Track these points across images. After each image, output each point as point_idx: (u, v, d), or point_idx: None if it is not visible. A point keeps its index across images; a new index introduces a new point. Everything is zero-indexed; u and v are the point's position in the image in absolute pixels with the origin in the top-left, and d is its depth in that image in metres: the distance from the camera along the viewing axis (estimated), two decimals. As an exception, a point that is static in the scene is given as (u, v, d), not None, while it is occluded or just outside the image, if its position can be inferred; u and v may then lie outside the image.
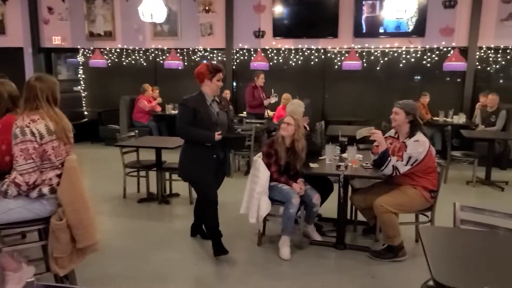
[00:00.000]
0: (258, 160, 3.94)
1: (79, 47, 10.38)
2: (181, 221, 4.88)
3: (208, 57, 9.67)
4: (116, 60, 10.20)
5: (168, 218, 4.96)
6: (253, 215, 3.87)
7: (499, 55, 8.17)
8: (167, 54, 9.61)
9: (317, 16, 8.89)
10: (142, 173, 5.59)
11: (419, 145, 3.59)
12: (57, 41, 10.47)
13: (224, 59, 9.47)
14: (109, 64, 10.17)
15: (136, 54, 10.07)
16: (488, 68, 8.24)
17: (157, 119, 9.13)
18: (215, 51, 9.62)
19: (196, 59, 9.69)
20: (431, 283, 2.34)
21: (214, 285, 3.35)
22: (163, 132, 9.10)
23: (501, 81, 8.36)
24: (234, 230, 4.40)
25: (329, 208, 4.32)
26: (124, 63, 10.14)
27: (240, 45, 9.42)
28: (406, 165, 3.57)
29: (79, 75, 10.65)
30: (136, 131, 5.96)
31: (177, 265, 3.65)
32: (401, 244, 3.70)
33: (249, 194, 3.97)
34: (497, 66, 8.23)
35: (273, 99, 7.83)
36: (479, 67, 8.21)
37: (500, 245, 2.21)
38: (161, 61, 9.74)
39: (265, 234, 4.18)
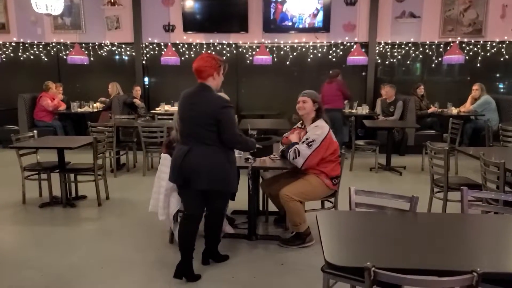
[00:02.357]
0: (167, 156, 3.84)
1: (-35, 40, 9.37)
2: (88, 224, 4.65)
3: (116, 52, 9.28)
4: (11, 55, 9.36)
5: (74, 222, 4.67)
6: (163, 212, 3.78)
7: (395, 50, 8.85)
8: (71, 49, 9.02)
9: (228, 11, 8.95)
10: (44, 176, 5.20)
11: (318, 129, 3.77)
12: None
13: (133, 53, 9.14)
14: (4, 59, 9.31)
15: (35, 49, 9.33)
16: (387, 62, 8.90)
17: (62, 117, 8.56)
18: (123, 46, 9.25)
19: (103, 54, 9.25)
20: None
21: (122, 287, 3.21)
22: (70, 132, 8.57)
23: (398, 74, 9.08)
24: (146, 229, 4.29)
25: (242, 201, 4.37)
26: (21, 58, 9.35)
27: (150, 39, 9.16)
28: (307, 147, 3.71)
29: (-33, 72, 9.61)
30: (35, 131, 5.52)
31: (82, 271, 3.45)
32: (307, 230, 3.86)
33: (157, 191, 3.86)
34: (394, 60, 8.91)
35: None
36: (379, 61, 8.83)
37: (387, 223, 2.39)
38: (64, 56, 9.12)
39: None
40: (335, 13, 8.73)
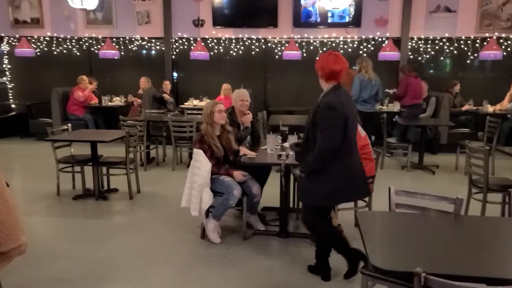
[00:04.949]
0: (199, 151, 3.84)
1: (3, 35, 9.61)
2: (120, 217, 4.70)
3: (146, 46, 9.35)
4: (45, 49, 9.56)
5: (106, 215, 4.74)
6: (195, 208, 3.79)
7: (428, 46, 8.60)
8: (102, 43, 9.15)
9: (257, 6, 8.88)
10: (77, 168, 5.29)
11: None
12: (-23, 28, 9.65)
13: (163, 48, 9.19)
14: (38, 54, 9.51)
15: (68, 43, 9.50)
16: (420, 58, 8.66)
17: (93, 111, 8.71)
18: (153, 40, 9.31)
19: (133, 49, 9.34)
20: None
21: (156, 281, 3.23)
22: (100, 125, 8.71)
23: (431, 70, 8.84)
24: (177, 223, 4.30)
25: (272, 198, 4.33)
26: (55, 53, 9.53)
27: (179, 34, 9.18)
28: None
29: (4, 65, 9.87)
30: (69, 124, 5.62)
31: (115, 263, 3.49)
32: (339, 227, 3.78)
33: (190, 187, 3.86)
34: (427, 56, 8.66)
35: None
36: (411, 56, 8.60)
37: (431, 226, 2.30)
38: (96, 51, 9.25)
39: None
40: (366, 8, 8.55)
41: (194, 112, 7.40)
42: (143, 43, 9.34)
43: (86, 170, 5.17)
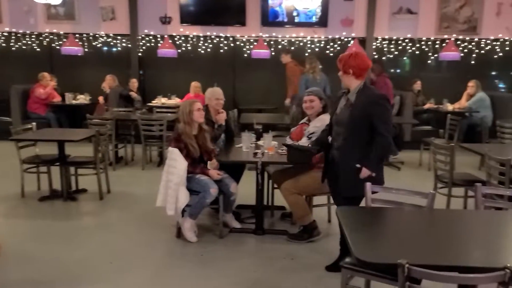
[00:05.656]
0: (175, 150, 3.81)
1: (-45, 29, 9.13)
2: (92, 218, 4.60)
3: (111, 43, 9.13)
4: (3, 45, 9.15)
5: (76, 216, 4.62)
6: (171, 207, 3.77)
7: (392, 46, 8.90)
8: (64, 39, 8.86)
9: (225, 4, 8.89)
10: (43, 169, 5.12)
11: (318, 121, 3.79)
12: None
13: (129, 45, 9.02)
14: (-5, 50, 9.11)
15: (27, 39, 9.13)
16: (384, 58, 8.93)
17: (56, 110, 8.42)
18: (119, 37, 9.11)
19: (98, 45, 9.10)
20: (349, 259, 2.49)
21: (134, 282, 3.19)
22: (63, 124, 8.42)
23: (394, 69, 9.14)
24: (151, 223, 4.26)
25: (246, 195, 4.37)
26: (13, 49, 9.14)
27: (146, 31, 9.04)
28: (307, 140, 3.73)
29: (-43, 61, 9.37)
30: (34, 123, 5.42)
31: (90, 265, 3.42)
32: (314, 224, 3.87)
33: (165, 186, 3.83)
34: (391, 56, 8.96)
35: None
36: (376, 56, 8.86)
37: (408, 219, 2.41)
38: (58, 47, 8.94)
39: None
40: (333, 8, 8.73)
41: (164, 110, 7.32)
42: (108, 39, 9.12)
43: (52, 170, 5.01)
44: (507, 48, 8.72)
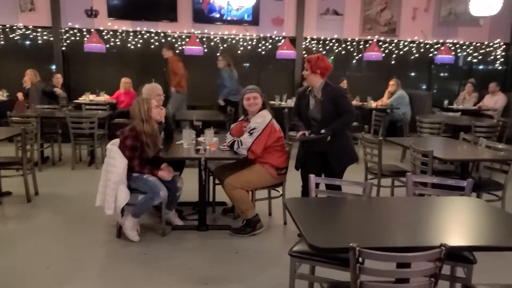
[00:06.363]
0: (113, 148, 3.70)
1: None
2: (20, 222, 4.26)
3: (31, 36, 8.53)
4: None
5: (2, 220, 4.28)
6: (110, 206, 3.64)
7: (320, 45, 9.29)
8: (-24, 31, 8.13)
9: (154, -1, 8.70)
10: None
11: (259, 117, 3.90)
12: None
13: (51, 39, 8.48)
14: None
15: None
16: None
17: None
18: (39, 30, 8.53)
19: (15, 38, 8.46)
20: (296, 248, 2.61)
21: (77, 285, 3.04)
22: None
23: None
24: (88, 224, 4.08)
25: (186, 192, 4.34)
26: None
27: (70, 24, 8.56)
28: (248, 136, 3.83)
29: None
30: None
31: (25, 271, 3.20)
32: (256, 217, 3.96)
33: (104, 185, 3.70)
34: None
35: None
36: (305, 55, 9.18)
37: (352, 207, 2.58)
38: (-31, 39, 8.18)
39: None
40: (264, 7, 8.90)
41: (93, 107, 7.00)
42: (27, 32, 8.51)
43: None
44: (422, 50, 9.50)
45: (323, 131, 3.70)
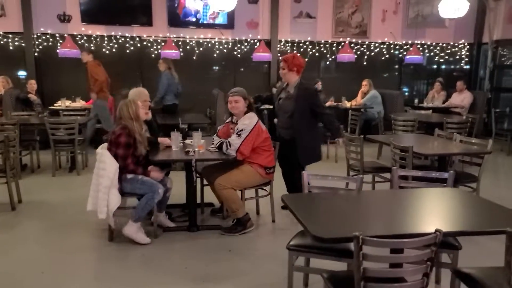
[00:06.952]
0: (103, 151, 3.71)
1: None
2: (7, 230, 4.16)
3: (2, 42, 8.32)
4: None
5: (-13, 230, 4.20)
6: (102, 210, 3.65)
7: (294, 48, 9.48)
8: None
9: (129, 3, 8.67)
10: None
11: (246, 119, 4.02)
12: None
13: (23, 44, 8.30)
14: None
15: None
16: (287, 59, 9.46)
17: None
18: (10, 36, 8.33)
19: (-15, 44, 8.23)
20: (293, 242, 2.72)
21: (70, 291, 3.06)
22: None
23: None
24: (78, 229, 4.07)
25: (173, 194, 4.38)
26: None
27: (42, 29, 8.41)
28: (237, 137, 3.92)
29: None
30: None
31: (20, 278, 3.18)
32: (247, 216, 4.06)
33: (95, 189, 3.70)
34: (294, 57, 9.52)
35: None
36: (280, 58, 9.34)
37: (347, 201, 2.71)
38: None
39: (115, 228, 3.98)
40: (238, 11, 8.99)
41: (71, 113, 6.91)
42: (-3, 37, 8.30)
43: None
44: (392, 51, 9.85)
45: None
